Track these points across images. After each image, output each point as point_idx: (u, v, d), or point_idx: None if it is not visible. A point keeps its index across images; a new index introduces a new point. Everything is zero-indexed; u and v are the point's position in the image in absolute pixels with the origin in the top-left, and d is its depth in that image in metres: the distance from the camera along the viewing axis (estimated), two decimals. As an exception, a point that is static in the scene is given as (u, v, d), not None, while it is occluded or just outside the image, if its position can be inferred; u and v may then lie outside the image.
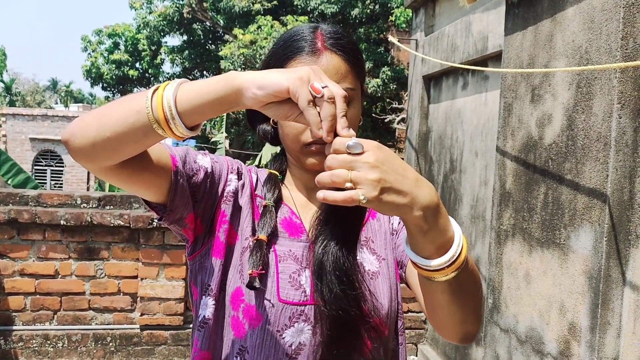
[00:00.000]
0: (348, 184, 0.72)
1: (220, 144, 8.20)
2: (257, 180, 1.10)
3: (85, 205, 4.04)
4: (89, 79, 17.74)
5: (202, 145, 13.79)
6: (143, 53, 17.09)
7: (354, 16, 12.81)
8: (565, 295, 2.00)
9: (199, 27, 15.83)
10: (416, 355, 4.69)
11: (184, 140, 0.91)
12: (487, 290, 2.62)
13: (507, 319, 2.42)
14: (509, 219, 2.45)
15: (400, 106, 9.57)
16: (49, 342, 4.00)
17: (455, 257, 0.79)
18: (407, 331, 4.62)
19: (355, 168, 0.72)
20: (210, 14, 14.81)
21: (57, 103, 37.68)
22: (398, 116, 9.30)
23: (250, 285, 0.97)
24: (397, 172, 0.73)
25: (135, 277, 4.11)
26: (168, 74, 17.98)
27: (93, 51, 18.00)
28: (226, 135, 8.75)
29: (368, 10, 12.84)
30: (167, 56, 16.85)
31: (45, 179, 16.85)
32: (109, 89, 17.91)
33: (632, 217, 1.79)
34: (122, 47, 17.63)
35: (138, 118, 0.82)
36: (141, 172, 0.93)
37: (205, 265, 1.04)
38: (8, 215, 3.86)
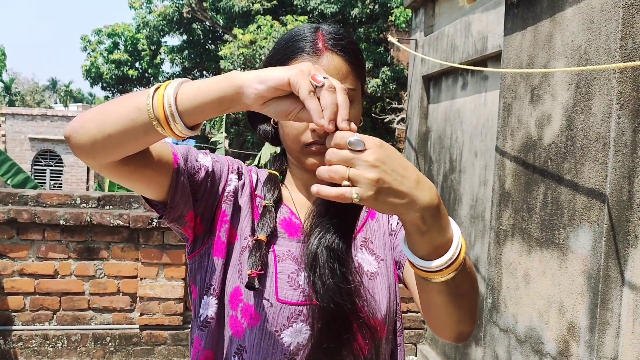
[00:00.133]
0: (345, 182, 0.71)
1: (219, 143, 8.19)
2: (257, 180, 1.10)
3: (84, 205, 4.03)
4: (89, 78, 17.73)
5: (202, 145, 13.78)
6: (143, 53, 17.09)
7: (353, 16, 12.81)
8: (564, 295, 2.01)
9: (199, 26, 15.82)
10: (415, 355, 4.69)
11: (183, 140, 0.91)
12: (487, 290, 2.63)
13: (507, 319, 2.42)
14: (508, 219, 2.45)
15: (399, 106, 9.57)
16: (48, 342, 4.00)
17: (452, 259, 0.79)
18: (406, 331, 4.63)
19: (355, 166, 0.71)
20: (209, 13, 14.81)
21: (56, 103, 37.65)
22: (398, 116, 9.30)
23: (249, 286, 0.98)
24: (397, 172, 0.73)
25: (135, 277, 4.11)
26: (168, 73, 17.97)
27: (92, 51, 17.99)
28: (226, 135, 8.75)
29: (368, 10, 12.83)
30: (167, 56, 16.84)
31: (45, 179, 16.83)
32: (108, 88, 17.91)
33: (631, 217, 1.80)
34: (121, 46, 17.62)
35: (139, 115, 0.82)
36: (143, 169, 0.93)
37: (204, 264, 1.04)
38: (7, 215, 3.86)
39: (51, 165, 17.25)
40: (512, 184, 2.43)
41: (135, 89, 17.48)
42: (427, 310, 0.91)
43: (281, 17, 13.09)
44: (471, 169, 4.02)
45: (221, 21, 14.73)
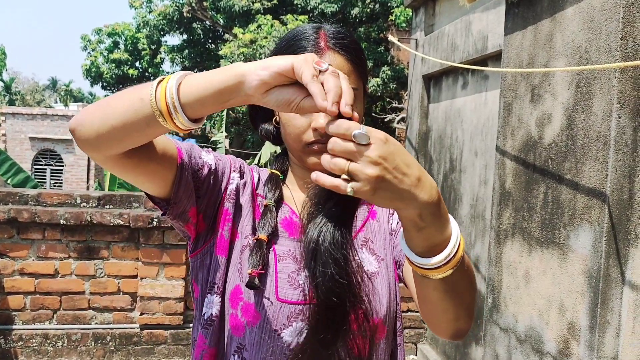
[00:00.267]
0: (344, 175, 0.70)
1: (220, 143, 8.20)
2: (258, 179, 1.11)
3: (85, 204, 4.04)
4: (89, 78, 17.75)
5: (202, 144, 13.77)
6: (143, 52, 17.10)
7: (354, 15, 12.81)
8: (564, 295, 2.01)
9: (199, 26, 15.82)
10: (416, 355, 4.69)
11: (184, 139, 0.90)
12: (487, 290, 2.63)
13: (507, 319, 2.42)
14: (508, 219, 2.45)
15: (400, 105, 9.57)
16: (48, 341, 4.00)
17: (450, 257, 0.78)
18: (406, 330, 4.63)
19: (356, 159, 0.70)
20: (210, 13, 14.81)
21: (56, 102, 37.67)
22: (398, 115, 9.30)
23: (250, 285, 0.98)
24: (398, 170, 0.71)
25: (135, 276, 4.11)
26: (168, 73, 17.96)
27: (93, 50, 18.00)
28: (226, 134, 8.75)
29: (368, 10, 12.83)
30: (167, 55, 16.85)
31: (45, 179, 16.84)
32: (108, 88, 17.92)
33: (632, 216, 1.80)
34: (121, 46, 17.63)
35: (141, 106, 0.82)
36: (147, 162, 0.93)
37: (206, 262, 1.04)
38: (8, 214, 3.86)
39: (51, 165, 17.25)
40: (512, 183, 2.43)
41: (135, 88, 17.45)
42: (424, 307, 0.90)
43: (281, 17, 13.10)
44: (471, 169, 4.02)
45: (221, 20, 14.73)
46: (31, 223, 3.92)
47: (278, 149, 1.20)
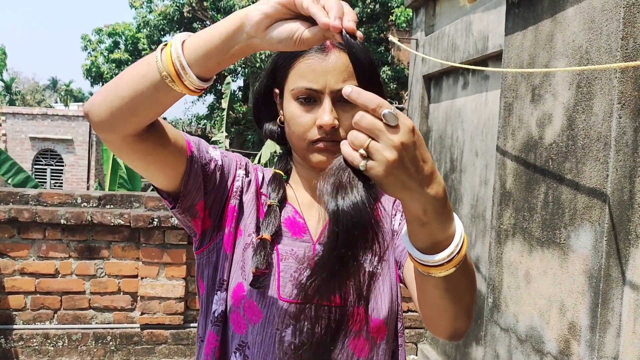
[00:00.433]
0: (361, 151, 0.68)
1: (220, 143, 8.20)
2: (262, 179, 1.11)
3: (85, 204, 4.04)
4: (89, 78, 17.76)
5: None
6: (143, 52, 17.10)
7: (354, 15, 12.80)
8: (565, 295, 2.01)
9: (199, 26, 15.83)
10: (416, 355, 4.69)
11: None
12: (487, 290, 2.63)
13: (507, 319, 2.43)
14: (509, 219, 2.45)
15: (400, 105, 9.58)
16: (49, 341, 4.01)
17: (453, 255, 0.77)
18: (407, 330, 4.63)
19: (378, 139, 0.68)
20: (210, 13, 14.81)
21: (57, 102, 37.69)
22: (398, 115, 9.30)
23: (254, 284, 0.98)
24: (414, 163, 0.69)
25: (136, 276, 4.11)
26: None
27: (93, 50, 18.02)
28: (226, 134, 8.75)
29: (368, 10, 12.84)
30: (167, 55, 16.83)
31: (45, 178, 16.85)
32: (109, 88, 17.90)
33: (632, 216, 1.80)
34: (122, 46, 17.64)
35: (149, 71, 0.81)
36: (160, 149, 0.93)
37: (212, 259, 1.05)
38: (8, 214, 3.86)
39: (52, 165, 17.26)
40: (513, 183, 2.43)
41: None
42: (424, 306, 0.90)
43: (282, 17, 13.08)
44: (472, 169, 4.02)
45: (222, 20, 14.73)
46: (32, 223, 3.92)
47: (278, 149, 1.19)
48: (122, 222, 3.99)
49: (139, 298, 4.10)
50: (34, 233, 3.95)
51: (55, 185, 16.87)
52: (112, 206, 4.08)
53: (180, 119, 21.06)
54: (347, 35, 0.75)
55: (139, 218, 3.98)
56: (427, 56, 4.49)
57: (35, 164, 17.09)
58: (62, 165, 17.27)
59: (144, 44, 16.92)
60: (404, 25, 11.43)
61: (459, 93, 4.37)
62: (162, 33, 16.22)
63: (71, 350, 4.04)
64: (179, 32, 15.87)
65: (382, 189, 0.72)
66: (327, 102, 0.97)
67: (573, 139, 2.00)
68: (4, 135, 16.88)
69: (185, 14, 14.96)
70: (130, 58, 17.26)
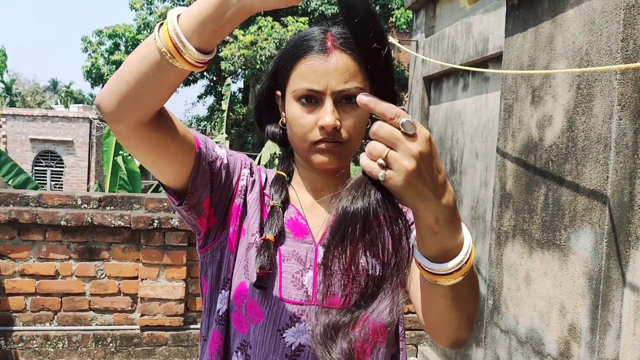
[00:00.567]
0: (380, 160, 0.69)
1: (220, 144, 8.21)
2: (266, 179, 1.12)
3: (85, 205, 4.04)
4: (89, 79, 17.77)
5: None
6: (143, 54, 17.09)
7: (354, 17, 12.80)
8: (565, 297, 2.01)
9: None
10: (416, 356, 4.69)
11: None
12: (488, 291, 2.63)
13: (508, 320, 2.43)
14: (509, 220, 2.45)
15: (400, 107, 9.58)
16: (49, 342, 4.01)
17: (462, 264, 0.78)
18: (407, 332, 4.63)
19: (397, 148, 0.69)
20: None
21: (57, 104, 37.71)
22: (398, 117, 9.30)
23: (257, 285, 0.98)
24: (430, 172, 0.70)
25: (136, 277, 4.11)
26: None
27: (93, 52, 18.03)
28: (226, 136, 8.76)
29: (368, 12, 12.82)
30: (168, 57, 16.83)
31: (46, 180, 16.85)
32: (109, 89, 17.91)
33: (632, 218, 1.80)
34: (122, 47, 17.65)
35: (149, 51, 0.81)
36: (169, 141, 0.93)
37: (216, 258, 1.06)
38: (9, 215, 3.86)
39: (52, 166, 17.26)
40: (513, 185, 2.43)
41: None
42: (427, 313, 0.90)
43: (282, 19, 13.11)
44: (472, 170, 4.03)
45: (222, 22, 14.73)
46: (32, 224, 3.92)
47: (278, 151, 1.20)
48: (123, 224, 3.99)
49: (139, 299, 4.10)
50: (34, 234, 3.95)
51: (55, 187, 16.88)
52: (112, 208, 4.08)
53: (181, 120, 21.02)
54: None
55: (139, 219, 3.98)
56: (427, 58, 4.49)
57: (36, 166, 17.09)
58: (63, 167, 17.27)
59: (144, 46, 16.91)
60: (404, 27, 11.45)
61: (459, 95, 4.37)
62: (162, 35, 16.22)
63: (71, 351, 4.04)
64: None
65: (399, 198, 0.72)
66: (328, 103, 0.97)
67: (573, 141, 2.00)
68: (4, 136, 16.88)
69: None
70: (131, 59, 17.25)
